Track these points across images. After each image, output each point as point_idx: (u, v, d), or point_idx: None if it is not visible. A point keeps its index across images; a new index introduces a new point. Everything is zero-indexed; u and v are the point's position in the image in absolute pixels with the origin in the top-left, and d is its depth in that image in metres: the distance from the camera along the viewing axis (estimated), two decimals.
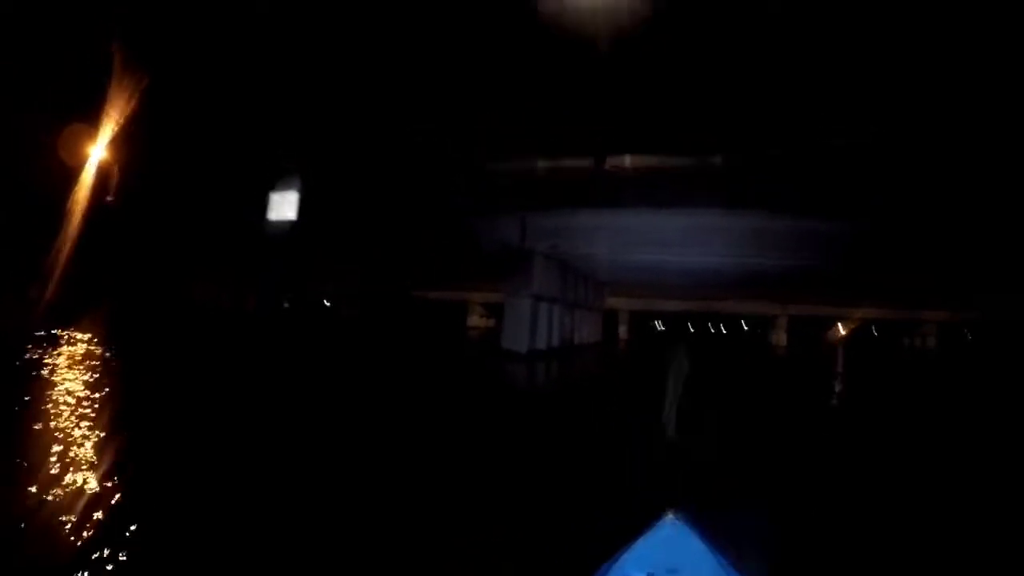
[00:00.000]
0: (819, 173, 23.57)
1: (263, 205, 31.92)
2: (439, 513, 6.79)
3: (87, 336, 19.48)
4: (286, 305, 49.90)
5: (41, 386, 11.64)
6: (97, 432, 8.30)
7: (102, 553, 5.07)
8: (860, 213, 23.51)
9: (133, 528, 5.58)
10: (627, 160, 25.20)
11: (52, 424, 8.93)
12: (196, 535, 5.75)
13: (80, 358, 14.69)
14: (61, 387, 11.52)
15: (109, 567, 4.90)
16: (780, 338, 58.47)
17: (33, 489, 6.36)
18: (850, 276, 35.45)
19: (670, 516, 3.04)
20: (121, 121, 28.06)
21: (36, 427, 8.79)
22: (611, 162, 25.28)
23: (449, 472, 8.37)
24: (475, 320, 56.76)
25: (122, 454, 7.51)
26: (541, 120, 23.83)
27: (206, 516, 6.24)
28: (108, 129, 28.21)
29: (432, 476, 8.06)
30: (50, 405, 10.15)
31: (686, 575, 2.72)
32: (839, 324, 60.82)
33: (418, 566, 5.48)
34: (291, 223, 30.98)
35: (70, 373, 12.71)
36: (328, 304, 55.68)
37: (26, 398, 10.49)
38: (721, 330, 76.90)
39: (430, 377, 20.38)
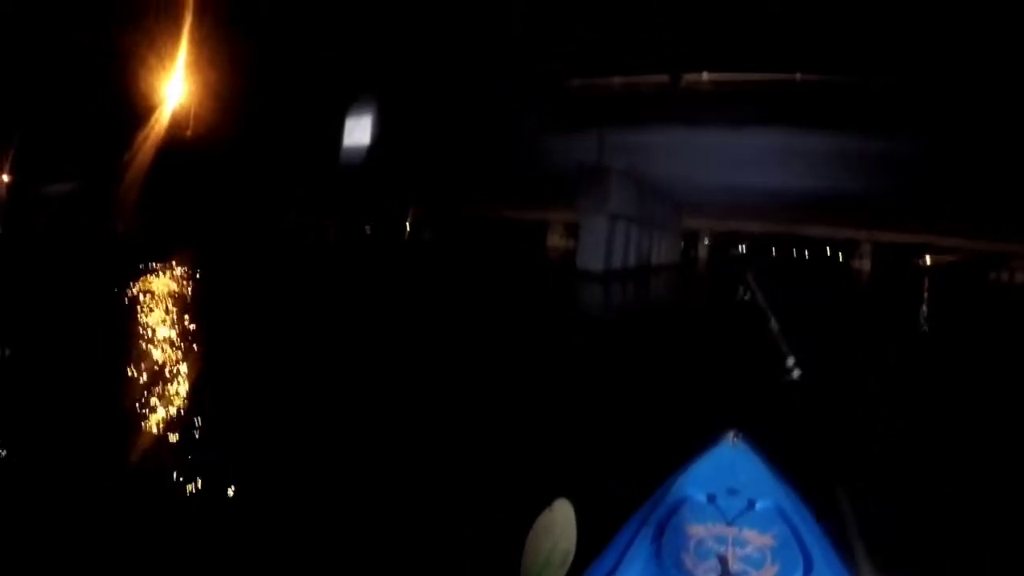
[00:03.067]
0: (901, 94, 23.00)
1: (341, 131, 32.52)
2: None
3: (179, 270, 20.05)
4: (368, 231, 50.82)
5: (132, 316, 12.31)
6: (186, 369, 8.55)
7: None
8: (944, 135, 22.87)
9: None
10: (704, 77, 24.91)
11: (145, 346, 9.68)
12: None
13: (171, 295, 15.25)
14: (150, 319, 12.14)
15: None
16: (864, 264, 57.24)
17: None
18: (935, 204, 34.43)
19: (731, 436, 2.93)
20: (201, 61, 28.81)
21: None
22: (688, 79, 25.02)
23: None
24: (555, 240, 56.38)
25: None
26: (617, 35, 23.68)
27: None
28: (189, 68, 29.01)
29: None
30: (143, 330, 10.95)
31: (746, 496, 2.62)
32: (925, 254, 59.11)
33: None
34: (368, 148, 31.49)
35: (161, 305, 13.19)
36: (409, 228, 56.23)
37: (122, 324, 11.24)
38: (804, 255, 75.42)
39: (497, 301, 20.37)
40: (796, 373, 8.44)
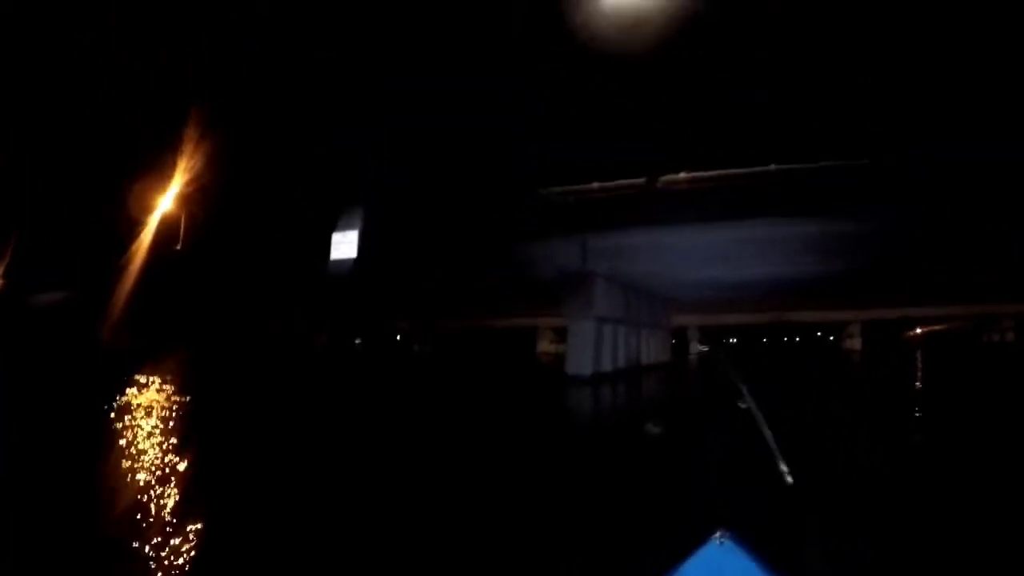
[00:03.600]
0: (873, 177, 23.39)
1: (329, 246, 32.84)
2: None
3: (168, 382, 20.01)
4: (358, 342, 50.79)
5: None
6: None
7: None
8: (920, 213, 23.14)
9: None
10: (681, 176, 25.32)
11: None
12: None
13: (163, 408, 15.25)
14: (148, 428, 12.09)
15: None
16: (854, 343, 57.36)
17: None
18: (919, 276, 34.68)
19: (719, 536, 2.97)
20: (191, 175, 29.27)
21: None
22: (664, 179, 25.41)
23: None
24: (545, 346, 56.24)
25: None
26: (594, 142, 24.15)
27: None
28: (179, 182, 29.42)
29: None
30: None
31: None
32: (916, 327, 59.32)
33: None
34: (355, 261, 31.72)
35: (153, 419, 13.23)
36: (400, 339, 56.26)
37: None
38: (794, 340, 75.47)
39: (486, 408, 20.34)
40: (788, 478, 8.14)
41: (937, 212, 23.13)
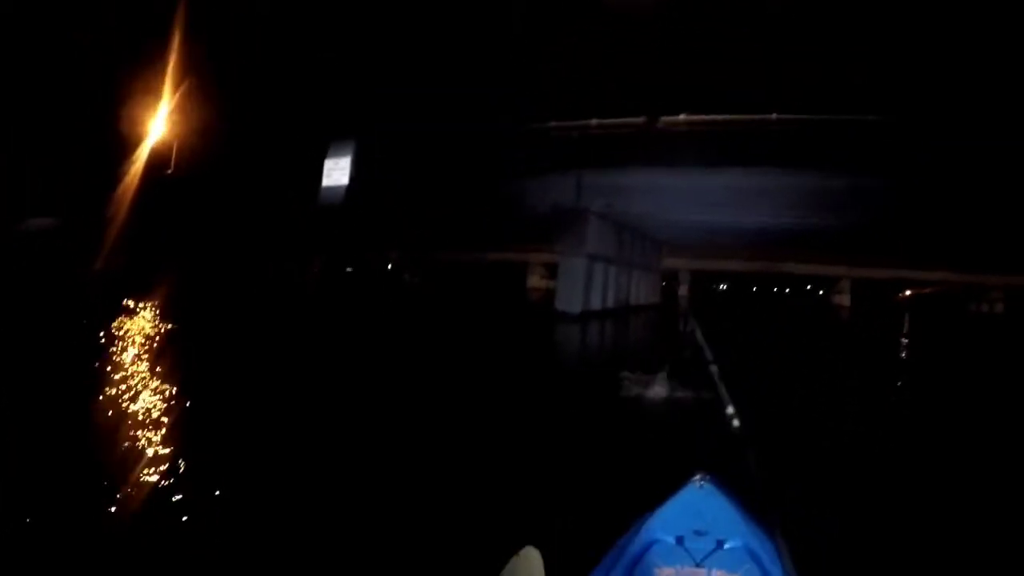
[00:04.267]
0: (876, 131, 23.18)
1: (320, 173, 32.64)
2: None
3: (159, 306, 19.99)
4: (349, 270, 50.78)
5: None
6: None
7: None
8: (916, 171, 22.99)
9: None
10: (681, 118, 25.07)
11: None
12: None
13: (151, 331, 15.30)
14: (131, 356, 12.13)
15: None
16: (843, 300, 57.75)
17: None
18: (912, 239, 34.72)
19: (698, 478, 3.03)
20: (183, 99, 28.94)
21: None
22: (664, 120, 25.16)
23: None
24: (535, 281, 56.36)
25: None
26: (595, 78, 23.86)
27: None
28: (170, 106, 29.11)
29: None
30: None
31: (715, 536, 2.72)
32: (905, 288, 59.64)
33: None
34: (347, 188, 31.54)
35: (142, 342, 13.26)
36: (390, 269, 56.25)
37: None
38: (784, 291, 75.91)
39: (468, 340, 20.36)
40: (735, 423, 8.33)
41: (936, 176, 23.00)
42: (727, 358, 14.94)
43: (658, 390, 10.43)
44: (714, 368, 12.69)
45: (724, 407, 9.25)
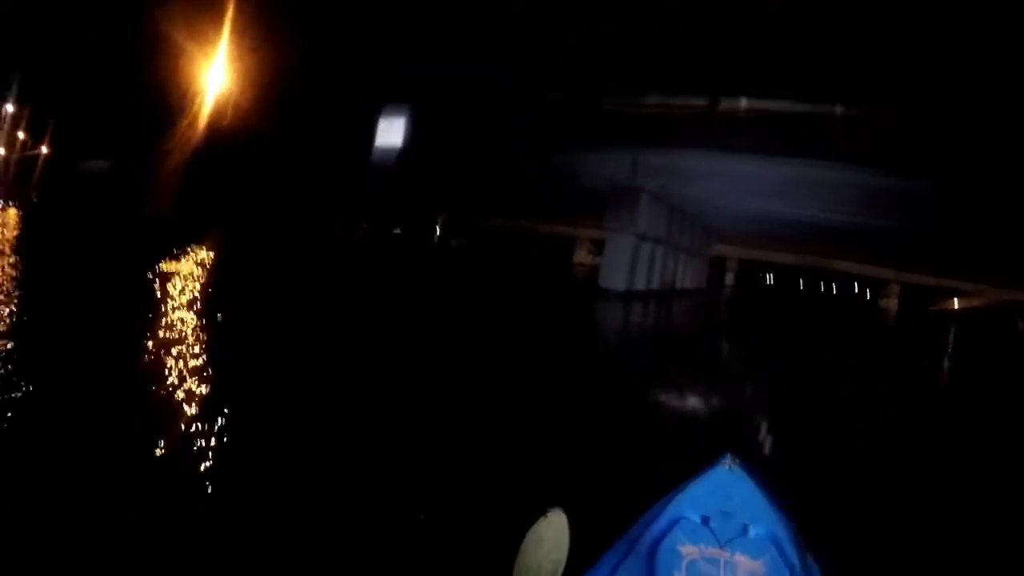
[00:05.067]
0: (945, 132, 22.64)
1: (374, 134, 32.75)
2: None
3: (204, 254, 20.28)
4: (397, 231, 51.01)
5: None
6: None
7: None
8: (980, 179, 22.45)
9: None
10: (742, 103, 24.76)
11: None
12: None
13: (190, 277, 15.57)
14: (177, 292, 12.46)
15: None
16: (891, 304, 56.75)
17: None
18: (967, 249, 33.99)
19: (728, 460, 3.01)
20: (244, 53, 29.21)
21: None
22: (724, 104, 24.87)
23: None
24: (582, 257, 55.73)
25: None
26: (656, 57, 23.61)
27: None
28: (231, 58, 29.41)
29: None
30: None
31: (740, 520, 2.68)
32: (954, 299, 58.32)
33: None
34: (400, 151, 31.62)
35: (177, 288, 13.46)
36: (439, 232, 56.31)
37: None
38: (832, 289, 74.76)
39: (506, 306, 20.33)
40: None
41: (1001, 186, 22.45)
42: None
43: None
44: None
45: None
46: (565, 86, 26.43)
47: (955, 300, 57.72)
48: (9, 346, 7.04)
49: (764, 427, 8.31)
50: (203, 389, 6.66)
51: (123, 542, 3.72)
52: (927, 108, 22.24)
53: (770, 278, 72.64)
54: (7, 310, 8.73)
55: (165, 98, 29.17)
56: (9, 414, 5.20)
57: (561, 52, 25.10)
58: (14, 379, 5.96)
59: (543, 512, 3.01)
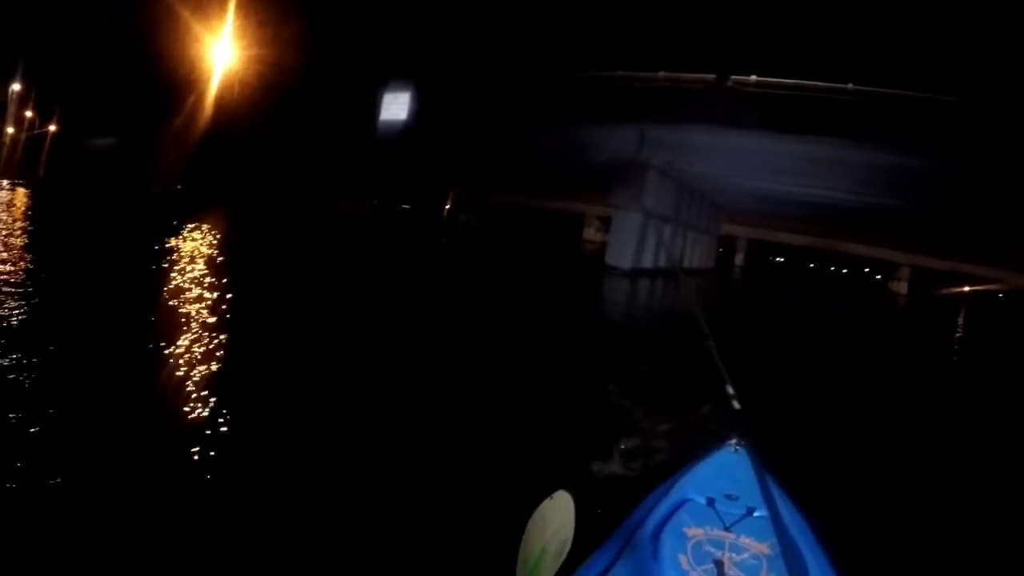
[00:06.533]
0: (960, 114, 22.26)
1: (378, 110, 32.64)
2: None
3: (208, 230, 20.31)
4: (406, 207, 50.97)
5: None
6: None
7: None
8: (993, 161, 22.03)
9: None
10: (752, 79, 24.39)
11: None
12: None
13: (192, 254, 15.56)
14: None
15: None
16: (901, 287, 56.57)
17: None
18: (979, 232, 33.64)
19: (734, 442, 2.95)
20: (250, 32, 29.17)
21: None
22: (734, 79, 24.50)
23: None
24: (591, 234, 55.82)
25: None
26: (665, 31, 23.33)
27: None
28: (237, 37, 29.35)
29: None
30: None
31: (745, 503, 2.65)
32: (965, 285, 58.04)
33: None
34: (408, 126, 31.46)
35: (180, 263, 13.44)
36: (447, 208, 56.32)
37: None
38: (841, 271, 74.73)
39: (512, 279, 20.25)
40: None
41: (1015, 168, 22.02)
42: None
43: None
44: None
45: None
46: (575, 59, 26.16)
47: (965, 286, 57.45)
48: (18, 322, 7.13)
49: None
50: (205, 372, 6.56)
51: (123, 538, 3.66)
52: (948, 83, 21.87)
53: (780, 258, 72.63)
54: (18, 291, 8.61)
55: (172, 75, 29.19)
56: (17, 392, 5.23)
57: (570, 25, 24.81)
58: (24, 360, 5.91)
59: (549, 493, 3.00)
